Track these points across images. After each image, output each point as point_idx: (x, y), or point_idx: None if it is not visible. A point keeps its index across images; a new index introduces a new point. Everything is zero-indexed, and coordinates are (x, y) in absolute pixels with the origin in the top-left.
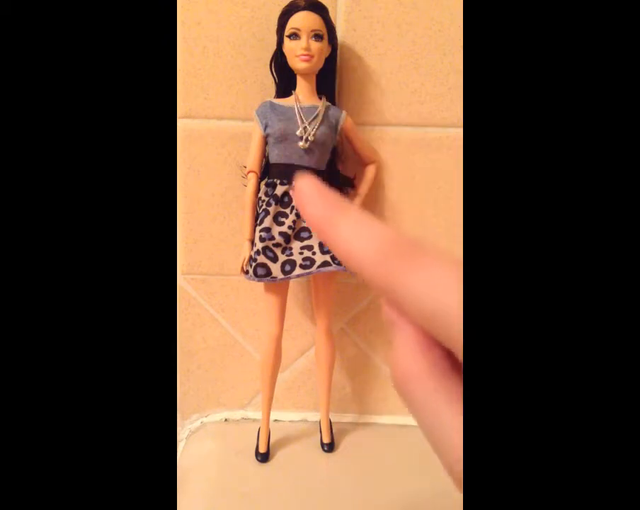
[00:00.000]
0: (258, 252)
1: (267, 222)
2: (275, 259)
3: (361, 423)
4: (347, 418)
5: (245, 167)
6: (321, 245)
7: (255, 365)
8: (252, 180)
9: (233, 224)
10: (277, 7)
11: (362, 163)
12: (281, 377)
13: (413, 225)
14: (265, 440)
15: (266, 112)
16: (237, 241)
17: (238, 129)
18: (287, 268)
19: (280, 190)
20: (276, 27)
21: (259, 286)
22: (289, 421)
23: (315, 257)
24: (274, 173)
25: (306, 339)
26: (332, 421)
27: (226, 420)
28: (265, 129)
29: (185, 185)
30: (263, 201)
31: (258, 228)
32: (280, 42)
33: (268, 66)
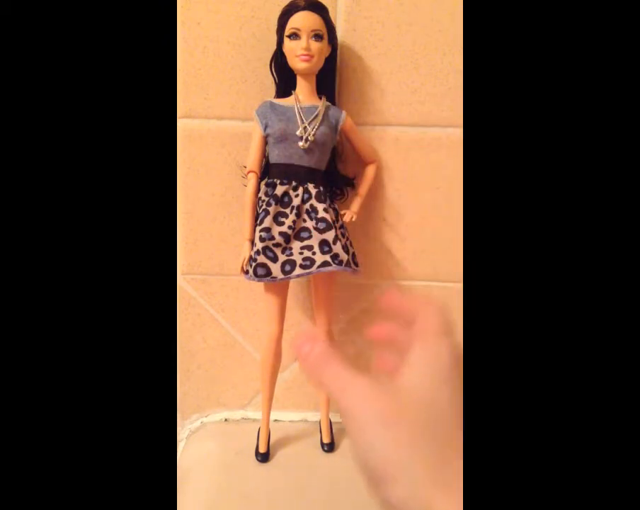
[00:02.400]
0: (258, 252)
1: (267, 222)
2: (275, 259)
3: None
4: None
5: (245, 167)
6: (321, 245)
7: (255, 365)
8: (252, 180)
9: (234, 224)
10: (277, 7)
11: (362, 164)
12: (281, 377)
13: (413, 225)
14: (265, 440)
15: (266, 112)
16: (237, 241)
17: (238, 129)
18: (287, 268)
19: (280, 190)
20: (276, 27)
21: (259, 286)
22: (289, 421)
23: (315, 257)
24: (274, 173)
25: None
26: (332, 421)
27: (226, 420)
28: (265, 129)
29: (185, 185)
30: (263, 201)
31: (258, 228)
32: (279, 42)
33: (268, 66)
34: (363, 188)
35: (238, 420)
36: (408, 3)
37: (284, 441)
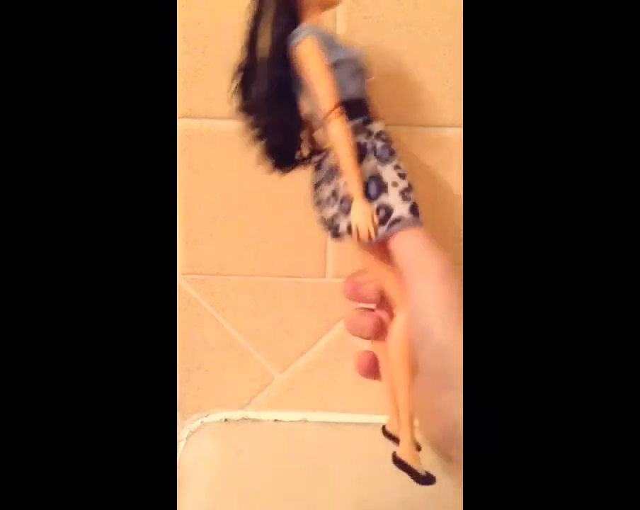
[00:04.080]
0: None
1: (394, 163)
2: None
3: (361, 423)
4: (347, 418)
5: (333, 107)
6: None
7: (255, 365)
8: (343, 117)
9: (234, 224)
10: None
11: None
12: (280, 377)
13: None
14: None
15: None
16: (237, 241)
17: (239, 129)
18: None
19: (377, 127)
20: None
21: (259, 286)
22: (289, 421)
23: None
24: (358, 110)
25: (306, 339)
26: (333, 421)
27: (226, 420)
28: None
29: (185, 185)
30: (364, 143)
31: (393, 173)
32: None
33: None
34: None
35: (238, 420)
36: (408, 3)
37: (285, 441)
